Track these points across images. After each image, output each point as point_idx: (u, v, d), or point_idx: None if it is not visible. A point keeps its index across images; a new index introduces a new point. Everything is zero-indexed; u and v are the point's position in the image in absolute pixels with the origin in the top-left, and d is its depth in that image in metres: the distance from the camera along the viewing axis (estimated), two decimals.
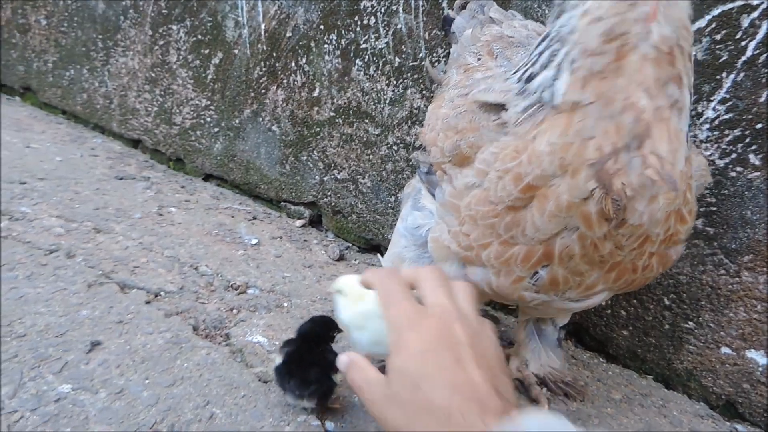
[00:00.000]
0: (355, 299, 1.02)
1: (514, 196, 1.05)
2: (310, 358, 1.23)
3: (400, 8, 2.06)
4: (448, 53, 1.78)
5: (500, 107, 1.13)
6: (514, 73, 1.17)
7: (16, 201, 2.09)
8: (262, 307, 1.66)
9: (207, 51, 2.68)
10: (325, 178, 2.36)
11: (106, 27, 3.13)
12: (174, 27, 2.80)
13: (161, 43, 2.87)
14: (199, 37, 2.70)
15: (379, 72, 2.16)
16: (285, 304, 1.70)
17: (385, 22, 2.11)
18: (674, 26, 0.93)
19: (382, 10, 2.11)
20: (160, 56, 2.89)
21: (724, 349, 1.65)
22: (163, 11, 2.82)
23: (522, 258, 1.09)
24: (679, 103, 0.99)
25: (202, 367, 1.33)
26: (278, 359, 1.25)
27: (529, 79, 1.08)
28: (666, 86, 0.96)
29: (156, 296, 1.62)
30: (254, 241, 2.09)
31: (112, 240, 1.90)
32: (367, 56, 2.18)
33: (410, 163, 2.13)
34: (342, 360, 0.94)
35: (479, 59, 1.43)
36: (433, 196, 1.37)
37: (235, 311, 1.62)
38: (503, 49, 1.41)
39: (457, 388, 0.72)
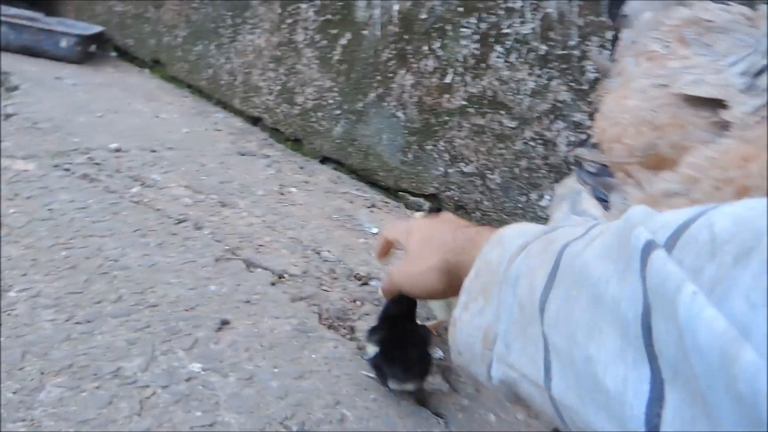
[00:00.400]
0: None
1: None
2: (405, 340, 1.18)
3: None
4: (614, 39, 1.59)
5: (716, 103, 0.95)
6: (732, 66, 0.98)
7: (147, 167, 2.13)
8: (384, 302, 1.56)
9: (335, 31, 2.62)
10: (450, 171, 2.24)
11: (235, 4, 3.17)
12: (303, 5, 2.76)
13: (289, 21, 2.85)
14: (329, 16, 2.64)
15: (522, 60, 2.00)
16: None
17: (534, 6, 1.94)
18: None
19: None
20: (287, 35, 2.88)
21: None
22: None
23: None
24: None
25: (330, 361, 1.25)
26: (372, 349, 1.18)
27: (758, 73, 0.90)
28: None
29: (280, 278, 1.57)
30: (375, 230, 2.01)
31: (236, 215, 1.88)
32: (509, 42, 2.02)
33: (548, 162, 1.96)
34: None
35: (667, 46, 1.24)
36: (599, 199, 1.20)
37: (358, 303, 1.54)
38: (699, 36, 1.21)
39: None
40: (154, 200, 1.86)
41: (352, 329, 1.42)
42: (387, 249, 1.12)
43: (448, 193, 2.25)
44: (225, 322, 1.31)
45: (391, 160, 2.44)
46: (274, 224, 1.88)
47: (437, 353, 1.40)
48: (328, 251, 1.77)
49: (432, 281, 0.90)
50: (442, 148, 2.26)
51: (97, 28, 3.95)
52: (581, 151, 1.34)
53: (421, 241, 0.96)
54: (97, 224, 1.65)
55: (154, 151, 2.31)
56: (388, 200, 2.37)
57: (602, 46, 1.78)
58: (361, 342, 1.36)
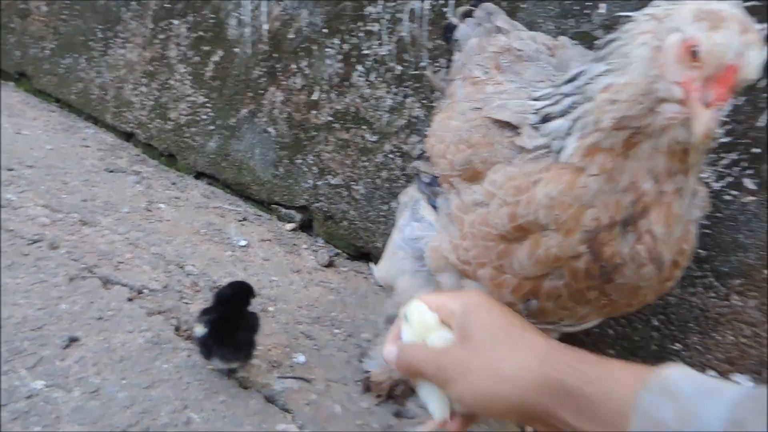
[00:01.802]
0: (420, 333, 0.92)
1: (507, 229, 1.04)
2: (235, 323, 1.27)
3: (405, 16, 2.05)
4: (450, 62, 1.77)
5: (515, 127, 1.12)
6: (535, 98, 1.15)
7: (2, 187, 2.06)
8: None
9: (207, 48, 2.66)
10: (319, 183, 2.34)
11: (107, 17, 3.10)
12: (175, 22, 2.77)
13: (161, 37, 2.85)
14: (201, 33, 2.67)
15: (380, 79, 2.14)
16: (270, 309, 1.67)
17: (389, 30, 2.10)
18: (704, 136, 0.89)
19: (387, 17, 2.09)
20: (159, 50, 2.86)
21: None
22: (166, 5, 2.79)
23: (512, 288, 1.08)
24: (683, 189, 0.99)
25: (182, 369, 1.30)
26: (199, 329, 1.26)
27: (546, 119, 1.07)
28: (676, 175, 0.97)
29: (139, 293, 1.59)
30: (243, 243, 2.06)
31: (97, 233, 1.86)
32: (368, 62, 2.16)
33: (405, 172, 2.11)
34: (389, 351, 0.92)
35: (486, 72, 1.42)
36: (433, 207, 1.35)
37: None
38: (512, 63, 1.40)
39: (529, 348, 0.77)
40: (6, 221, 1.80)
41: None
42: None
43: (317, 205, 2.35)
44: (74, 339, 1.31)
45: (263, 174, 2.50)
46: (138, 241, 1.88)
47: (299, 358, 1.49)
48: (193, 265, 1.81)
49: (524, 395, 0.69)
50: (311, 162, 2.36)
51: None
52: (418, 164, 1.50)
53: (490, 331, 0.79)
54: None
55: (11, 170, 2.22)
56: (260, 213, 2.43)
57: (443, 67, 1.96)
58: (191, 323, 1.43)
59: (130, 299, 1.54)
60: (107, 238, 1.85)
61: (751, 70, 0.85)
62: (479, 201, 1.14)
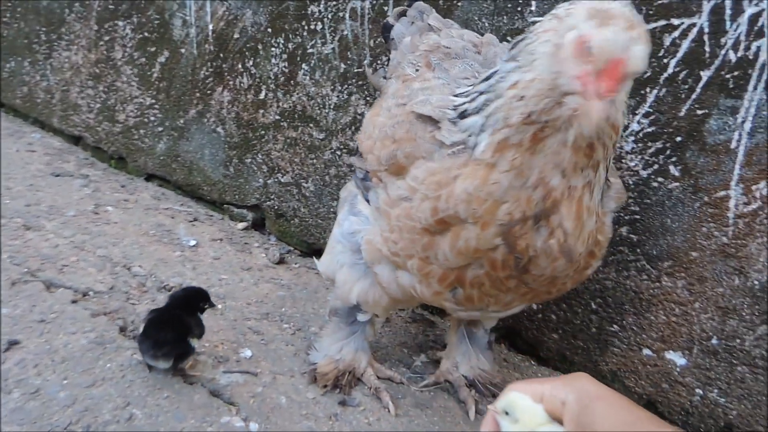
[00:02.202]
0: (529, 426, 0.85)
1: (430, 223, 1.09)
2: (169, 322, 1.29)
3: (347, 15, 2.08)
4: (388, 60, 1.81)
5: (435, 122, 1.16)
6: (456, 94, 1.20)
7: None
8: None
9: (153, 49, 2.64)
10: (269, 182, 2.35)
11: (50, 20, 3.05)
12: (120, 23, 2.74)
13: (107, 38, 2.81)
14: (146, 34, 2.65)
15: (325, 77, 2.18)
16: (219, 306, 1.68)
17: (332, 28, 2.13)
18: (597, 127, 0.96)
19: (329, 16, 2.12)
20: (105, 52, 2.83)
21: (646, 351, 1.73)
22: (110, 6, 2.76)
23: (438, 277, 1.13)
24: (592, 183, 1.05)
25: (126, 368, 1.31)
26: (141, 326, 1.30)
27: (463, 115, 1.11)
28: (583, 170, 1.03)
29: (84, 296, 1.58)
30: (192, 243, 2.06)
31: (41, 237, 1.84)
32: (313, 61, 2.19)
33: (353, 169, 2.15)
34: None
35: (417, 70, 1.46)
36: (367, 201, 1.39)
37: None
38: (441, 61, 1.44)
39: None
40: None
41: None
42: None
43: (268, 203, 2.37)
44: (14, 343, 1.30)
45: (214, 174, 2.50)
46: (84, 244, 1.87)
47: (246, 352, 1.51)
48: (140, 266, 1.80)
49: None
50: (261, 161, 2.37)
51: None
52: (353, 159, 1.53)
53: (616, 428, 0.72)
54: None
55: None
56: (212, 213, 2.43)
57: (384, 66, 2.00)
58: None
59: (74, 301, 1.54)
60: (51, 242, 1.83)
61: (636, 63, 0.91)
62: (404, 196, 1.18)
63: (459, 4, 1.87)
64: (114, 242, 1.93)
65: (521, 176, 1.00)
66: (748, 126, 1.54)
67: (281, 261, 2.12)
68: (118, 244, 1.93)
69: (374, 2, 2.02)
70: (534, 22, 1.07)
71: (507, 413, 0.88)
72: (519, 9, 1.78)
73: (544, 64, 0.97)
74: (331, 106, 2.16)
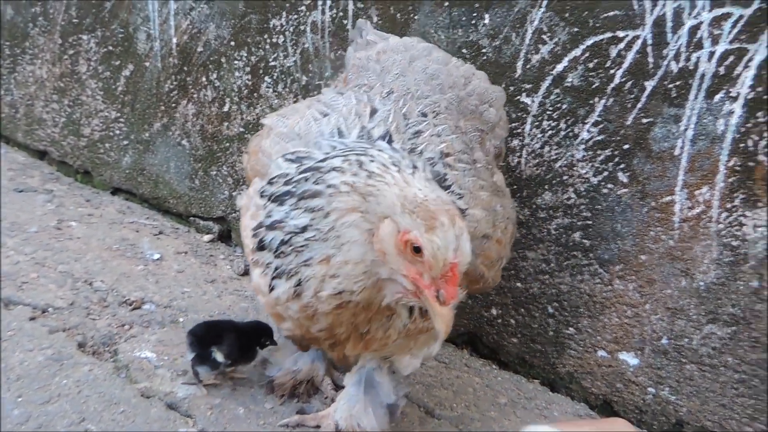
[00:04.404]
0: None
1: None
2: (213, 329, 1.44)
3: (308, 29, 2.12)
4: None
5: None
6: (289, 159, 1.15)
7: None
8: (155, 323, 1.65)
9: (118, 63, 2.64)
10: (235, 194, 2.37)
11: (13, 33, 3.03)
12: (84, 37, 2.74)
13: (71, 52, 2.81)
14: (110, 48, 2.66)
15: (287, 89, 2.20)
16: (181, 320, 1.69)
17: (293, 42, 2.16)
18: (439, 330, 0.97)
19: (291, 29, 2.15)
20: (69, 66, 2.82)
21: (601, 352, 1.78)
22: (74, 20, 2.76)
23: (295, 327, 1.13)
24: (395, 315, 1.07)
25: (82, 383, 1.31)
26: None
27: (270, 221, 1.05)
28: (378, 320, 1.05)
29: (43, 312, 1.58)
30: (156, 256, 2.07)
31: (2, 255, 1.83)
32: (275, 74, 2.22)
33: None
34: None
35: (336, 86, 1.54)
36: None
37: (126, 327, 1.60)
38: (356, 75, 1.48)
39: None
40: None
41: (115, 352, 1.49)
42: None
43: (234, 215, 2.38)
44: None
45: (179, 187, 2.51)
46: (45, 260, 1.86)
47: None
48: (102, 281, 1.81)
49: None
50: (226, 173, 2.38)
51: None
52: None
53: None
54: None
55: None
56: (178, 226, 2.44)
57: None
58: (121, 362, 1.44)
59: (32, 318, 1.54)
60: (11, 258, 1.82)
61: (467, 258, 0.91)
62: (269, 192, 1.21)
63: (416, 18, 1.92)
64: (76, 258, 1.93)
65: (309, 320, 1.03)
66: (690, 134, 1.61)
67: (246, 272, 2.13)
68: (81, 259, 1.93)
69: (334, 16, 2.05)
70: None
71: None
72: (473, 22, 1.83)
73: (355, 250, 0.94)
74: None
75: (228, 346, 1.39)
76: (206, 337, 1.40)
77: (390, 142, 1.11)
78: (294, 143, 1.15)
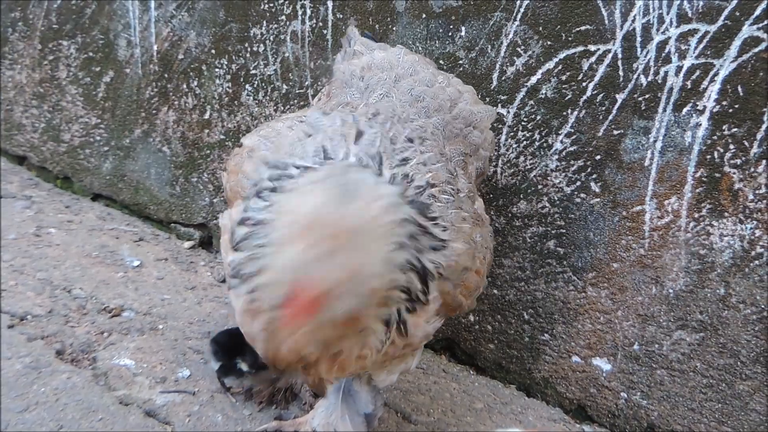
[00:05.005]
0: None
1: None
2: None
3: (288, 38, 2.14)
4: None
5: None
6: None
7: None
8: (135, 330, 1.65)
9: (98, 69, 2.64)
10: (215, 200, 2.38)
11: None
12: (65, 42, 2.73)
13: (51, 58, 2.80)
14: (91, 54, 2.65)
15: (268, 98, 2.22)
16: (160, 327, 1.70)
17: (274, 50, 2.18)
18: None
19: (271, 38, 2.18)
20: (49, 71, 2.81)
21: (575, 358, 1.82)
22: (54, 26, 2.75)
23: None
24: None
25: (60, 391, 1.32)
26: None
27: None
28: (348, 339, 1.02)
29: (21, 320, 1.58)
30: (136, 263, 2.07)
31: None
32: (256, 82, 2.24)
33: None
34: None
35: (319, 100, 1.54)
36: None
37: (105, 334, 1.61)
38: (338, 89, 1.48)
39: None
40: None
41: (94, 359, 1.50)
42: None
43: (215, 222, 2.39)
44: None
45: (160, 193, 2.51)
46: (23, 267, 1.86)
47: (184, 372, 1.54)
48: (81, 288, 1.81)
49: None
50: (207, 180, 2.40)
51: None
52: None
53: None
54: None
55: None
56: (159, 233, 2.44)
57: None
58: (100, 370, 1.45)
59: (10, 326, 1.53)
60: None
61: None
62: (223, 224, 1.22)
63: (394, 29, 1.95)
64: (55, 265, 1.93)
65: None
66: (659, 145, 1.66)
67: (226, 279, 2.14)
68: (59, 266, 1.93)
69: (314, 26, 2.08)
70: None
71: None
72: (450, 34, 1.87)
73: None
74: None
75: (251, 355, 1.41)
76: (229, 347, 1.42)
77: (380, 165, 1.09)
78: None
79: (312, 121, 1.23)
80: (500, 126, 1.83)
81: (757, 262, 1.57)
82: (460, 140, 1.42)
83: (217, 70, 2.32)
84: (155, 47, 2.46)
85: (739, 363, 1.61)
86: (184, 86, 2.41)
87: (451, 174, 1.25)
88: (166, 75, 2.45)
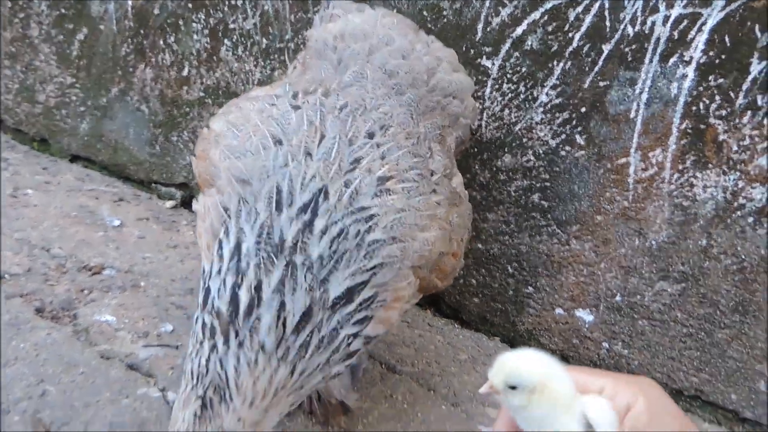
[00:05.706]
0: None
1: None
2: None
3: None
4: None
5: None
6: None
7: None
8: (116, 287, 1.64)
9: (71, 26, 2.55)
10: None
11: None
12: None
13: (21, 15, 2.70)
14: (63, 11, 2.56)
15: (248, 53, 2.17)
16: (142, 284, 1.69)
17: (253, 3, 2.12)
18: None
19: None
20: (20, 30, 2.71)
21: (558, 310, 1.84)
22: None
23: None
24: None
25: (40, 347, 1.30)
26: None
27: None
28: None
29: None
30: (117, 223, 2.04)
31: None
32: (235, 36, 2.18)
33: None
34: None
35: (294, 68, 1.50)
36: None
37: (86, 292, 1.59)
38: (309, 59, 1.43)
39: None
40: None
41: (75, 316, 1.48)
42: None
43: (196, 181, 2.35)
44: None
45: (140, 153, 2.46)
46: None
47: (167, 327, 1.53)
48: (60, 248, 1.78)
49: None
50: (187, 138, 2.35)
51: None
52: None
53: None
54: None
55: None
56: (139, 193, 2.40)
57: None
58: (81, 326, 1.44)
59: None
60: None
61: None
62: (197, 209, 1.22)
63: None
64: (33, 225, 1.89)
65: None
66: (644, 97, 1.65)
67: None
68: (38, 227, 1.89)
69: None
70: None
71: (514, 387, 0.70)
72: None
73: None
74: (255, 82, 2.16)
75: None
76: None
77: (326, 196, 1.03)
78: (244, 162, 1.09)
79: (281, 118, 1.16)
80: (485, 78, 1.80)
81: (738, 213, 1.58)
82: (438, 113, 1.37)
83: (194, 24, 2.25)
84: (130, 2, 2.38)
85: (718, 312, 1.64)
86: (161, 42, 2.34)
87: (421, 157, 1.19)
88: (141, 31, 2.37)
